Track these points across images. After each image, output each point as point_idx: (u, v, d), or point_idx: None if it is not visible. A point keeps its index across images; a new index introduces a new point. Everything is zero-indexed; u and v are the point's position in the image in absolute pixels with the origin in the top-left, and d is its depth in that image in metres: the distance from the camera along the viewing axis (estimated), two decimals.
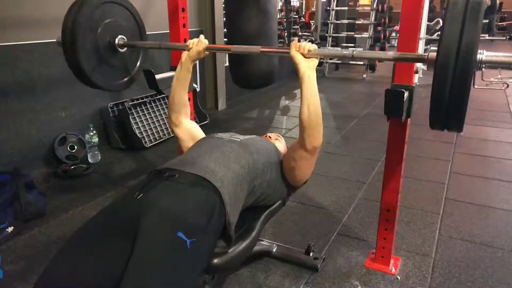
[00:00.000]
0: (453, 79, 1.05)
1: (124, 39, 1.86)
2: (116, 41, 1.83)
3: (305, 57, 1.42)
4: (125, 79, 1.96)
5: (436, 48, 1.09)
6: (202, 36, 1.63)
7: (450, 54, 1.05)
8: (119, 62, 1.89)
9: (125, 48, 1.89)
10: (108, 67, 1.84)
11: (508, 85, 1.12)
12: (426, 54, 1.23)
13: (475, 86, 1.10)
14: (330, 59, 7.45)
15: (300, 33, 8.75)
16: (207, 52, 1.64)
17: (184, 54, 1.64)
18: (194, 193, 1.26)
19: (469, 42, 1.03)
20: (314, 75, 1.43)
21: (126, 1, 1.90)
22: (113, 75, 1.89)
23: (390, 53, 1.35)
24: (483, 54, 1.09)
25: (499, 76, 1.15)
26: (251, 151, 1.49)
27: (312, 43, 1.44)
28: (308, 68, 1.42)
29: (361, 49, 1.38)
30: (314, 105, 1.42)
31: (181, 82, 1.66)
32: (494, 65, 1.11)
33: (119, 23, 1.86)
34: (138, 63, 2.01)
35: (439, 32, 1.07)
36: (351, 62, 7.47)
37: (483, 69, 1.11)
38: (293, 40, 1.44)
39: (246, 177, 1.40)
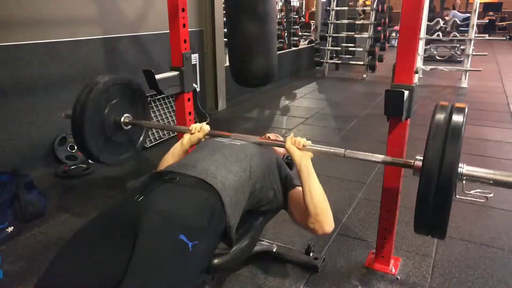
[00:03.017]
0: (437, 191, 1.13)
1: (130, 118, 1.93)
2: (122, 119, 1.90)
3: (300, 150, 1.48)
4: (129, 153, 2.03)
5: (422, 158, 1.19)
6: (204, 124, 1.73)
7: (433, 169, 1.14)
8: (123, 138, 1.97)
9: (130, 126, 1.95)
10: (113, 144, 1.91)
11: (487, 199, 1.19)
12: (413, 161, 1.32)
13: (457, 196, 1.16)
14: (330, 59, 7.46)
15: (300, 33, 8.75)
16: (207, 136, 1.72)
17: (186, 137, 1.71)
18: (195, 196, 1.26)
19: (450, 160, 1.12)
20: (310, 164, 1.47)
21: (133, 83, 1.97)
22: (118, 150, 1.97)
23: (381, 157, 1.43)
24: (463, 168, 1.18)
25: (479, 190, 1.21)
26: (252, 154, 1.49)
27: (306, 139, 1.51)
28: (303, 158, 1.47)
29: (354, 152, 1.43)
30: (315, 190, 1.42)
31: (175, 158, 1.70)
32: (474, 179, 1.19)
33: (124, 103, 1.93)
34: (141, 138, 2.09)
35: (425, 142, 1.19)
36: (351, 62, 7.47)
37: (464, 181, 1.19)
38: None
39: (247, 180, 1.40)
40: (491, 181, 1.18)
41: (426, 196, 1.15)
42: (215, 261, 1.27)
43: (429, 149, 1.17)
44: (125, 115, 1.91)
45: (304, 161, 1.45)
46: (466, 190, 1.19)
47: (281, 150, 1.77)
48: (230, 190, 1.31)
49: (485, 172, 1.19)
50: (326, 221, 1.41)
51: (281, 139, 1.86)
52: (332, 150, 1.51)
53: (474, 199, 1.21)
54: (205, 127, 1.72)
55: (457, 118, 1.18)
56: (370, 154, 1.46)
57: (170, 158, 1.70)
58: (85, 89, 1.78)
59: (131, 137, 2.01)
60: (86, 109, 1.74)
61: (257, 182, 1.44)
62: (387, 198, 1.74)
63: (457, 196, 1.17)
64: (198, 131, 1.70)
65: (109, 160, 1.92)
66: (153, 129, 3.61)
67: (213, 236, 1.24)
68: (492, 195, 1.18)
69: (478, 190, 1.20)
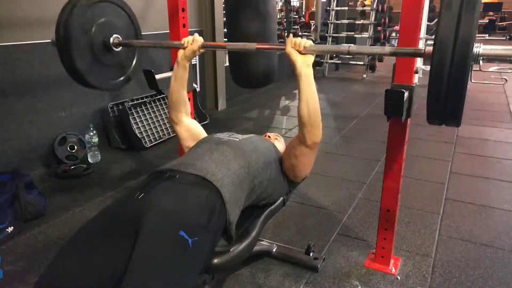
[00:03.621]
0: (450, 73, 1.04)
1: (119, 38, 1.85)
2: (111, 40, 1.82)
3: (301, 54, 1.41)
4: (121, 78, 1.95)
5: (432, 43, 1.08)
6: (196, 35, 1.63)
7: (447, 47, 1.03)
8: (114, 61, 1.88)
9: (120, 47, 1.88)
10: (103, 67, 1.83)
11: (507, 80, 1.11)
12: (423, 48, 1.22)
13: (473, 81, 1.09)
14: (330, 59, 7.46)
15: (300, 33, 8.75)
16: (202, 50, 1.63)
17: (180, 53, 1.64)
18: (195, 193, 1.26)
19: (465, 34, 1.01)
20: (311, 71, 1.42)
21: (121, 1, 1.89)
22: (109, 74, 1.88)
23: (388, 48, 1.35)
24: (480, 47, 1.08)
25: (496, 67, 1.14)
26: (250, 150, 1.49)
27: (308, 40, 1.43)
28: (304, 65, 1.40)
29: (358, 46, 1.40)
30: (313, 101, 1.42)
31: (178, 81, 1.66)
32: (492, 57, 1.10)
33: (113, 22, 1.84)
34: (133, 62, 2.01)
35: (436, 20, 1.06)
36: (351, 62, 7.47)
37: (480, 62, 1.10)
38: (288, 37, 1.44)
39: (246, 177, 1.40)
40: (510, 58, 1.09)
41: (439, 80, 1.05)
42: (215, 260, 1.27)
43: (441, 25, 1.04)
44: (114, 35, 1.82)
45: (305, 69, 1.41)
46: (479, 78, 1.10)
47: (281, 147, 1.77)
48: (229, 187, 1.32)
49: (504, 49, 1.09)
50: (318, 131, 1.46)
51: (281, 137, 1.86)
52: (335, 48, 1.45)
53: (491, 83, 1.14)
54: (198, 38, 1.63)
55: None
56: (376, 47, 1.41)
57: (175, 84, 1.66)
58: (68, 5, 1.67)
59: (122, 61, 1.92)
60: (70, 28, 1.63)
61: (255, 178, 1.44)
62: (387, 198, 1.74)
63: (473, 81, 1.09)
64: (191, 44, 1.62)
65: (98, 83, 1.81)
66: (153, 129, 3.61)
67: (214, 233, 1.24)
68: (511, 71, 1.11)
69: (496, 67, 1.13)
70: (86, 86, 1.81)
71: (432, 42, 1.08)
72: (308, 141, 1.46)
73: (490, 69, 1.11)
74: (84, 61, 1.72)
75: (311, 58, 1.42)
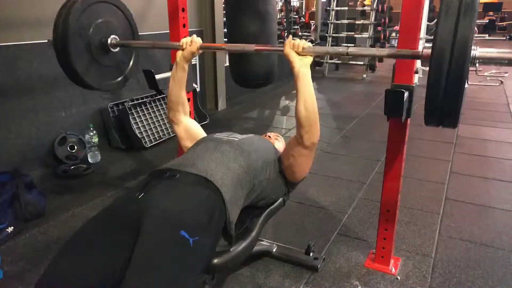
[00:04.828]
0: (448, 75, 1.05)
1: (117, 39, 1.85)
2: (109, 41, 1.82)
3: (300, 55, 1.42)
4: (118, 79, 1.96)
5: (430, 46, 1.09)
6: (194, 36, 1.64)
7: (445, 50, 1.04)
8: (112, 62, 1.89)
9: (118, 48, 1.88)
10: (101, 67, 1.83)
11: (502, 82, 1.11)
12: (421, 50, 1.22)
13: (469, 83, 1.10)
14: (330, 59, 7.46)
15: (300, 33, 8.75)
16: (201, 51, 1.63)
17: (179, 54, 1.64)
18: (195, 193, 1.26)
19: (463, 38, 1.02)
20: (309, 72, 1.43)
21: (117, 1, 1.89)
22: (106, 75, 1.88)
23: (386, 50, 1.35)
24: (476, 50, 1.10)
25: (493, 71, 1.14)
26: (250, 150, 1.49)
27: (307, 41, 1.44)
28: (303, 66, 1.41)
29: (356, 48, 1.39)
30: (310, 101, 1.43)
31: (177, 82, 1.66)
32: (488, 60, 1.11)
33: (111, 23, 1.84)
34: (131, 63, 2.01)
35: (435, 24, 1.05)
36: (351, 62, 7.47)
37: (477, 64, 1.11)
38: (287, 38, 1.44)
39: (245, 176, 1.40)
40: (506, 61, 1.11)
41: (437, 82, 1.07)
42: (215, 260, 1.27)
43: (440, 28, 1.05)
44: (112, 36, 1.82)
45: (303, 69, 1.41)
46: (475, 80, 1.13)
47: (280, 146, 1.77)
48: (229, 186, 1.32)
49: (500, 52, 1.12)
50: (316, 132, 1.47)
51: (281, 138, 1.86)
52: (334, 50, 1.46)
53: (487, 84, 1.15)
54: (196, 39, 1.63)
55: None
56: (374, 48, 1.41)
57: (173, 85, 1.67)
58: (65, 5, 1.66)
59: (120, 62, 1.93)
60: (67, 29, 1.63)
61: (255, 178, 1.44)
62: (387, 198, 1.74)
63: (469, 83, 1.09)
64: (190, 45, 1.62)
65: (95, 83, 1.81)
66: (153, 129, 3.61)
67: (214, 232, 1.24)
68: (507, 74, 1.14)
69: (493, 71, 1.16)
70: (84, 86, 1.82)
71: (431, 44, 1.09)
72: (306, 142, 1.46)
73: (486, 73, 1.11)
74: (82, 62, 1.72)
75: (309, 59, 1.43)
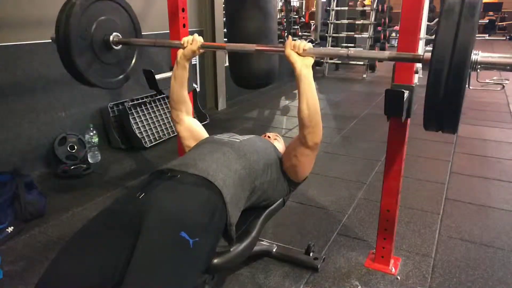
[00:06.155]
0: (448, 80, 1.04)
1: (119, 37, 1.85)
2: (111, 38, 1.82)
3: (301, 56, 1.41)
4: (120, 76, 1.96)
5: (432, 48, 1.08)
6: (196, 35, 1.64)
7: (445, 54, 1.03)
8: (114, 59, 1.89)
9: (120, 46, 1.88)
10: (103, 65, 1.83)
11: (504, 86, 1.11)
12: (422, 54, 1.22)
13: (470, 87, 1.09)
14: (330, 59, 7.46)
15: (300, 33, 8.75)
16: (202, 50, 1.64)
17: (179, 53, 1.64)
18: (196, 194, 1.26)
19: (464, 42, 1.01)
20: (310, 72, 1.42)
21: (121, 0, 1.90)
22: (108, 72, 1.88)
23: (387, 53, 1.34)
24: (478, 55, 1.08)
25: (495, 78, 1.14)
26: (251, 151, 1.49)
27: (308, 41, 1.43)
28: (304, 66, 1.41)
29: (357, 50, 1.38)
30: (313, 102, 1.42)
31: (178, 80, 1.66)
32: (490, 66, 1.09)
33: (113, 20, 1.84)
34: (133, 61, 2.01)
35: (436, 25, 1.05)
36: (351, 62, 7.47)
37: (478, 70, 1.10)
38: (288, 38, 1.44)
39: (247, 178, 1.40)
40: (508, 67, 1.09)
41: (436, 86, 1.05)
42: (216, 260, 1.27)
43: (440, 32, 1.04)
44: (114, 33, 1.82)
45: (305, 70, 1.41)
46: (478, 84, 1.11)
47: (281, 147, 1.77)
48: (230, 187, 1.32)
49: (502, 57, 1.10)
50: (318, 132, 1.46)
51: (280, 138, 1.86)
52: (334, 51, 1.46)
53: (489, 89, 1.15)
54: (197, 38, 1.63)
55: None
56: (375, 51, 1.42)
57: (174, 83, 1.67)
58: (68, 2, 1.67)
59: (121, 60, 1.93)
60: (70, 26, 1.63)
61: (256, 179, 1.44)
62: (387, 198, 1.74)
63: (470, 87, 1.09)
64: (191, 44, 1.62)
65: (97, 80, 1.81)
66: (153, 129, 3.61)
67: (214, 234, 1.24)
68: (508, 82, 1.11)
69: (494, 78, 1.14)
70: (85, 84, 1.81)
71: (431, 48, 1.08)
72: (309, 142, 1.46)
73: (487, 80, 1.11)
74: (84, 59, 1.72)
75: (310, 60, 1.43)
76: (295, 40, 1.42)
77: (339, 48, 1.35)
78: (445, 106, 1.08)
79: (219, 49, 1.56)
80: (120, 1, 1.89)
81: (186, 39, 1.63)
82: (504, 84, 1.10)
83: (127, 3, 1.93)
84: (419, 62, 1.27)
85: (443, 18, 1.05)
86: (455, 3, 1.04)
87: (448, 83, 1.04)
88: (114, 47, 1.85)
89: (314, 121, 1.44)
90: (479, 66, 1.09)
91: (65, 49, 1.68)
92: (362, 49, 1.47)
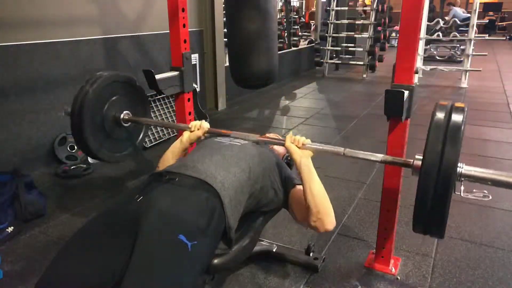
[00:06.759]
0: (436, 189, 1.15)
1: (129, 115, 1.93)
2: (122, 116, 1.90)
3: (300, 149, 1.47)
4: (128, 150, 2.03)
5: (421, 158, 1.18)
6: (203, 121, 1.72)
7: (433, 167, 1.14)
8: (123, 135, 1.97)
9: (129, 123, 1.95)
10: (112, 141, 1.92)
11: (490, 197, 1.18)
12: (412, 160, 1.32)
13: (456, 193, 1.18)
14: (330, 59, 7.46)
15: (300, 33, 8.75)
16: (207, 135, 1.72)
17: (186, 135, 1.71)
18: (194, 196, 1.26)
19: (450, 160, 1.12)
20: (310, 162, 1.47)
21: (132, 80, 1.98)
22: (117, 147, 1.97)
23: (380, 156, 1.43)
24: (462, 168, 1.17)
25: (475, 191, 1.22)
26: (252, 155, 1.49)
27: (306, 138, 1.51)
28: (303, 157, 1.46)
29: (353, 150, 1.43)
30: (316, 188, 1.42)
31: (174, 155, 1.71)
32: (472, 179, 1.18)
33: (124, 99, 1.93)
34: (141, 134, 2.09)
35: (425, 142, 1.20)
36: (351, 62, 7.47)
37: (462, 181, 1.18)
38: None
39: (247, 181, 1.40)
40: (489, 182, 1.18)
41: (424, 195, 1.15)
42: (215, 261, 1.27)
43: (429, 149, 1.16)
44: (124, 112, 1.91)
45: (304, 160, 1.45)
46: (466, 189, 1.19)
47: (281, 150, 1.77)
48: (229, 190, 1.31)
49: (484, 172, 1.19)
50: (327, 219, 1.41)
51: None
52: (332, 149, 1.51)
53: (474, 198, 1.21)
54: (205, 124, 1.71)
55: (456, 118, 1.17)
56: (370, 153, 1.46)
57: (170, 156, 1.71)
58: (85, 85, 1.78)
59: (130, 135, 2.01)
60: (85, 106, 1.74)
61: (256, 183, 1.44)
62: (387, 198, 1.74)
63: (457, 193, 1.18)
64: (198, 129, 1.70)
65: (108, 157, 1.91)
66: (153, 129, 3.61)
67: (213, 237, 1.24)
68: (490, 198, 1.19)
69: (475, 191, 1.20)
70: (96, 159, 1.92)
71: (420, 156, 1.20)
72: (320, 230, 1.43)
73: (469, 196, 1.20)
74: (96, 139, 1.82)
75: (309, 152, 1.48)
76: (295, 135, 1.50)
77: (336, 147, 1.42)
78: (433, 213, 1.18)
79: (224, 135, 1.66)
80: (133, 82, 1.98)
81: (194, 124, 1.71)
82: (490, 196, 1.19)
83: (141, 88, 2.02)
84: (409, 167, 1.34)
85: (431, 138, 1.18)
86: (441, 127, 1.17)
87: (435, 193, 1.15)
88: (124, 124, 1.93)
89: (321, 208, 1.40)
90: (463, 179, 1.18)
91: (78, 129, 1.77)
92: (356, 150, 1.55)
